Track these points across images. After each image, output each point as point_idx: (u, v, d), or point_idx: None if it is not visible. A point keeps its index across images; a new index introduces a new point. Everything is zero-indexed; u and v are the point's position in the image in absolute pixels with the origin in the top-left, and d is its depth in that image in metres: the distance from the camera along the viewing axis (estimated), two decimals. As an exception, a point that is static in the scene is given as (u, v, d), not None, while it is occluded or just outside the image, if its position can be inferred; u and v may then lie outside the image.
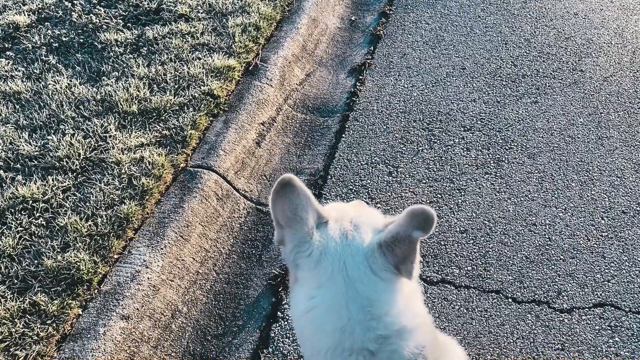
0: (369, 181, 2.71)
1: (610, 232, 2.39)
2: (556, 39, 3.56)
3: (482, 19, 3.80)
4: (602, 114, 2.99)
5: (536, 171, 2.69)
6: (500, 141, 2.87)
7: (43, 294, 2.03)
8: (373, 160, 2.82)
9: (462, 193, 2.61)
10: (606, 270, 2.24)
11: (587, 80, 3.21)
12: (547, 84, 3.21)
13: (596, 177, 2.64)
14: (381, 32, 3.74)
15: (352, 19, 3.98)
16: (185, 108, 2.83)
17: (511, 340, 2.05)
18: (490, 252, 2.34)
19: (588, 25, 3.66)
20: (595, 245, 2.34)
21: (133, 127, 2.72)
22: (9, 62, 3.17)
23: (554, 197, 2.56)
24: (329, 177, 2.74)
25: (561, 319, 2.10)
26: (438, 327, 2.09)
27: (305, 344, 1.24)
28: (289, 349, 2.08)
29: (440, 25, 3.77)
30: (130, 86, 2.92)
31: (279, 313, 2.20)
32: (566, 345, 2.02)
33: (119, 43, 3.27)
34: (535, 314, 2.12)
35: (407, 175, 2.72)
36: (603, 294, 2.16)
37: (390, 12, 3.94)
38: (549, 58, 3.40)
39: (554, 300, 2.16)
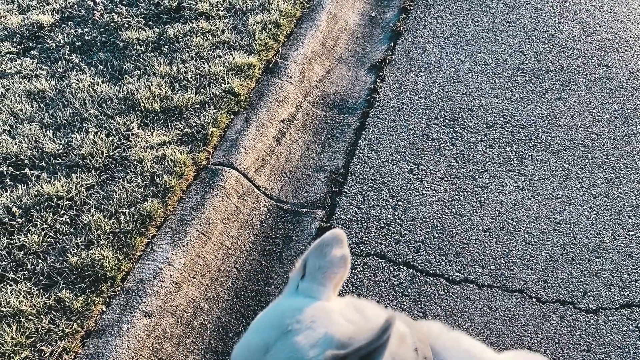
0: (390, 178, 2.69)
1: (637, 230, 2.34)
2: (581, 33, 3.49)
3: (505, 13, 3.74)
4: (629, 110, 2.92)
5: (560, 169, 2.65)
6: (524, 138, 2.82)
7: (68, 291, 2.06)
8: (394, 158, 2.80)
9: (485, 191, 2.58)
10: (633, 270, 2.20)
11: (613, 76, 3.15)
12: (572, 80, 3.15)
13: (623, 174, 2.59)
14: (401, 28, 3.71)
15: (372, 15, 3.95)
16: (207, 106, 2.84)
17: (535, 341, 2.02)
18: (513, 251, 2.31)
19: (614, 19, 3.59)
20: (622, 244, 2.29)
21: (155, 125, 2.74)
22: (33, 61, 3.22)
23: (579, 195, 2.51)
24: (349, 174, 2.73)
25: (587, 319, 2.06)
26: (460, 327, 2.07)
27: None
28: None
29: (461, 20, 3.73)
30: (152, 84, 2.95)
31: (300, 311, 2.19)
32: (592, 346, 1.99)
33: (140, 41, 3.29)
34: (560, 314, 2.08)
35: (428, 173, 2.69)
36: (630, 295, 2.12)
37: (411, 7, 3.91)
38: (573, 53, 3.34)
39: (579, 300, 2.12)
